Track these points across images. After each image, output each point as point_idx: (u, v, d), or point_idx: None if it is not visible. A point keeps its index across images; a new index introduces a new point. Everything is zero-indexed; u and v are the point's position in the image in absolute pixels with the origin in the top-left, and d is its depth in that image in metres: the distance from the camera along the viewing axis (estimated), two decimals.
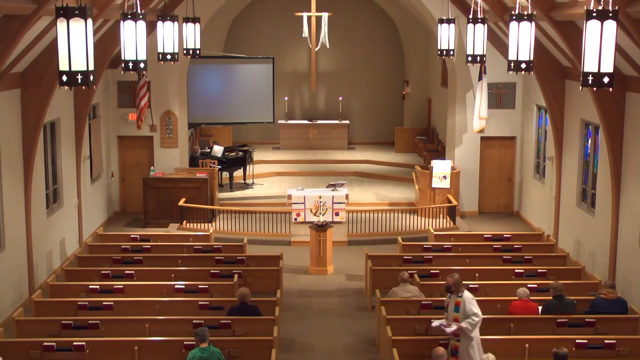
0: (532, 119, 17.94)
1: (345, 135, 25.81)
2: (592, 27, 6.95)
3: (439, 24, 14.48)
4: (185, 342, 9.42)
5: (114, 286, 11.60)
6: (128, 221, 18.38)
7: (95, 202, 17.29)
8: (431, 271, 12.45)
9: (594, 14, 6.90)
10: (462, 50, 16.55)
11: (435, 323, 9.32)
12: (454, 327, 9.04)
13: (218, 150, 20.43)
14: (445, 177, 17.80)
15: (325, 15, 22.65)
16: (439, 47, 14.54)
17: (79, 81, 7.00)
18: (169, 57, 12.29)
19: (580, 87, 7.21)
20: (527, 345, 9.44)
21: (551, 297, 10.32)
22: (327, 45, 22.86)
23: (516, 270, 12.47)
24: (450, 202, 17.39)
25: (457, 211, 17.38)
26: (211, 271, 12.50)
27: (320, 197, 17.19)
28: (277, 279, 12.85)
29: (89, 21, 6.99)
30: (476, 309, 9.01)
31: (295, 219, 17.31)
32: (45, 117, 13.34)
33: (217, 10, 19.39)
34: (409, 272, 11.67)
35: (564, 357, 7.99)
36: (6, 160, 12.28)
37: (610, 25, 6.91)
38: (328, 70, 26.98)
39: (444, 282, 11.94)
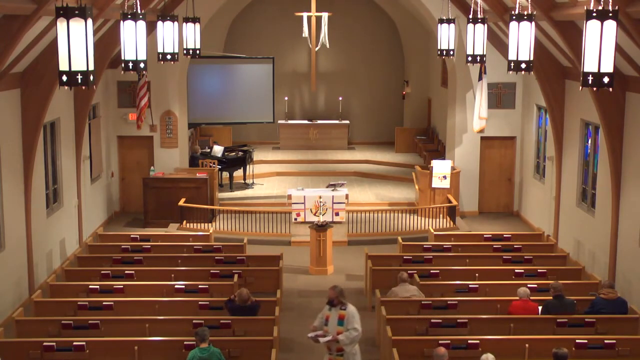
0: (532, 119, 17.94)
1: (345, 135, 25.81)
2: (592, 27, 6.95)
3: (439, 24, 14.49)
4: (185, 342, 9.42)
5: (114, 286, 11.60)
6: (128, 221, 18.38)
7: (95, 202, 17.29)
8: (431, 271, 12.45)
9: (594, 14, 6.90)
10: (462, 50, 16.55)
11: (311, 334, 9.00)
12: (328, 337, 8.84)
13: (218, 150, 20.43)
14: (445, 177, 17.80)
15: (325, 15, 22.64)
16: (439, 47, 14.55)
17: (79, 81, 7.00)
18: (169, 57, 12.29)
19: (580, 87, 7.21)
20: (527, 345, 9.44)
21: (551, 297, 10.32)
22: (327, 45, 22.86)
23: (516, 270, 12.47)
24: (450, 202, 17.39)
25: (457, 211, 17.38)
26: (211, 271, 12.49)
27: (320, 197, 17.19)
28: (277, 279, 12.85)
29: (89, 21, 6.99)
30: (357, 325, 8.85)
31: (295, 219, 17.31)
32: (45, 117, 13.34)
33: (217, 10, 19.39)
34: (408, 272, 11.68)
35: (564, 357, 7.98)
36: (6, 160, 12.28)
37: (610, 25, 6.91)
38: (328, 70, 26.98)
39: (444, 282, 12.08)
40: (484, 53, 12.68)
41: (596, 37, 6.94)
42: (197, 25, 13.96)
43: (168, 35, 12.27)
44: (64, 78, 6.99)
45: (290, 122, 26.05)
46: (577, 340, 9.45)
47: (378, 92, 27.33)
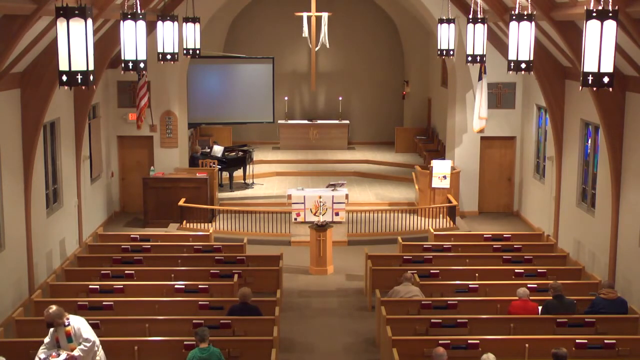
0: (532, 119, 17.94)
1: (345, 135, 25.82)
2: (592, 27, 6.95)
3: (439, 24, 14.49)
4: (185, 342, 9.42)
5: (114, 286, 11.60)
6: (128, 221, 18.38)
7: (95, 202, 17.29)
8: (431, 271, 12.45)
9: (594, 14, 6.91)
10: (462, 50, 16.55)
11: (42, 356, 8.37)
12: (63, 356, 8.28)
13: (218, 150, 20.43)
14: (445, 177, 17.80)
15: (325, 15, 22.64)
16: (439, 47, 14.55)
17: (79, 81, 7.00)
18: (169, 57, 12.28)
19: (580, 87, 7.21)
20: (527, 345, 9.44)
21: (551, 297, 10.32)
22: (327, 45, 22.85)
23: (516, 270, 12.47)
24: (450, 202, 17.39)
25: (457, 211, 17.38)
26: (211, 271, 12.49)
27: (320, 197, 17.19)
28: (277, 279, 12.85)
29: (89, 21, 6.99)
30: (88, 334, 8.37)
31: (295, 219, 17.31)
32: (45, 117, 13.33)
33: (217, 10, 19.39)
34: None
35: (563, 357, 7.98)
36: (6, 160, 12.27)
37: (610, 25, 6.92)
38: (328, 70, 26.98)
39: (444, 282, 12.08)
40: (484, 53, 12.69)
41: (596, 37, 6.94)
42: (197, 25, 13.96)
43: (168, 35, 12.26)
44: (64, 78, 6.98)
45: (290, 122, 26.05)
46: (577, 340, 9.45)
47: (378, 92, 27.32)
